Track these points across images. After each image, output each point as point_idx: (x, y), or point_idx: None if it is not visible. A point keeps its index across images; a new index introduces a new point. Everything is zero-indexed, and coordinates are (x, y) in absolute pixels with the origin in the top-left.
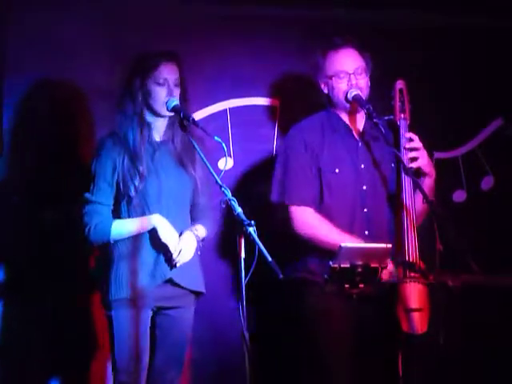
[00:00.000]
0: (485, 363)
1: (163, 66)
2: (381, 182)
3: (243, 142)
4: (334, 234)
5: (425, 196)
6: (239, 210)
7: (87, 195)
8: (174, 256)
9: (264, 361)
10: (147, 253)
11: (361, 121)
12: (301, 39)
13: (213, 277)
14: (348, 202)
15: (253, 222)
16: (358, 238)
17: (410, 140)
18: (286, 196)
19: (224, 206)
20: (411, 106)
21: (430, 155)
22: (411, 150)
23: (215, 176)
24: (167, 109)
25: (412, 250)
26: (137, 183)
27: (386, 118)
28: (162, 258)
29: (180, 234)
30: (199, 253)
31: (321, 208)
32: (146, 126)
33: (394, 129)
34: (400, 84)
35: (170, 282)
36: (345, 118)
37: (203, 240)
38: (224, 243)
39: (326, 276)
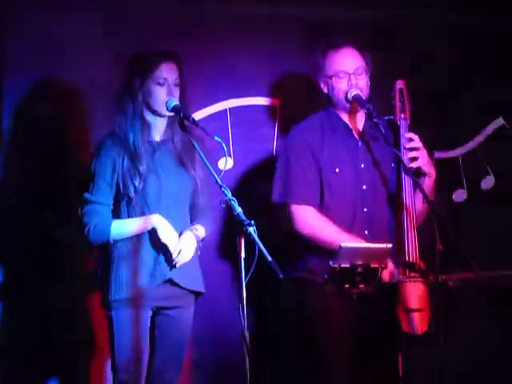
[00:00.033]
0: (484, 363)
1: (163, 65)
2: (381, 182)
3: (243, 142)
4: (335, 234)
5: (425, 196)
6: (239, 209)
7: (86, 195)
8: (174, 256)
9: (264, 361)
10: (147, 253)
11: (361, 120)
12: (301, 39)
13: (213, 277)
14: (348, 202)
15: (253, 221)
16: (359, 238)
17: (410, 140)
18: (288, 196)
19: (224, 205)
20: (411, 106)
21: (430, 155)
22: (411, 149)
23: (215, 176)
24: (167, 109)
25: (412, 250)
26: (137, 183)
27: (386, 117)
28: (161, 257)
29: (180, 234)
30: (199, 253)
31: (321, 208)
32: (145, 126)
33: (394, 129)
34: (400, 84)
35: (170, 281)
36: (345, 117)
37: (203, 240)
38: (224, 243)
39: (325, 276)
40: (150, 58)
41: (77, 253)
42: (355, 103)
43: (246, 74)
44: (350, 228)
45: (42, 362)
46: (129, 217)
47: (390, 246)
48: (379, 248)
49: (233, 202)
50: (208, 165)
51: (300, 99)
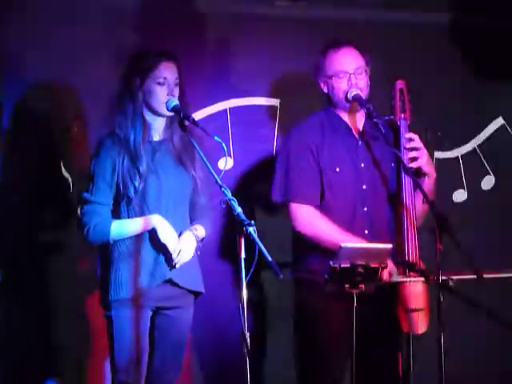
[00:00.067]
0: (484, 363)
1: (163, 65)
2: (381, 182)
3: (243, 142)
4: (336, 234)
5: (425, 196)
6: (239, 209)
7: (86, 195)
8: (174, 256)
9: (264, 361)
10: (147, 253)
11: (361, 120)
12: (301, 39)
13: (213, 277)
14: (348, 201)
15: (253, 221)
16: (359, 238)
17: (410, 140)
18: (288, 195)
19: (224, 205)
20: (411, 106)
21: (431, 155)
22: (411, 149)
23: (215, 176)
24: (167, 108)
25: (412, 250)
26: (137, 183)
27: (386, 117)
28: (161, 257)
29: (179, 234)
30: (199, 253)
31: (321, 207)
32: (146, 126)
33: (394, 129)
34: (400, 84)
35: (170, 282)
36: (345, 117)
37: (202, 240)
38: (224, 243)
39: (326, 276)
40: (150, 57)
41: (76, 253)
42: (355, 103)
43: (246, 74)
44: (350, 227)
45: (42, 362)
46: (128, 217)
47: (389, 246)
48: (379, 248)
49: (233, 202)
50: (208, 165)
51: (300, 99)
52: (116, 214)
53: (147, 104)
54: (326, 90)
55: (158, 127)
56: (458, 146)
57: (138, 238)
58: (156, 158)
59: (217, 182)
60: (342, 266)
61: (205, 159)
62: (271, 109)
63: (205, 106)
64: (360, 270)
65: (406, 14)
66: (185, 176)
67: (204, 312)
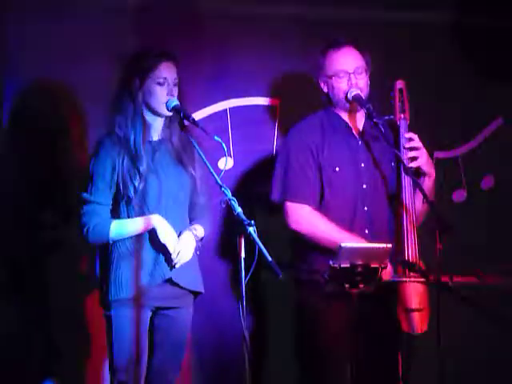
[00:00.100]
0: (485, 363)
1: (163, 65)
2: (381, 181)
3: (243, 142)
4: (333, 231)
5: (425, 196)
6: (239, 209)
7: (85, 195)
8: (173, 257)
9: (264, 361)
10: (147, 253)
11: (361, 120)
12: (301, 39)
13: (213, 277)
14: (348, 201)
15: (253, 221)
16: (357, 236)
17: (410, 140)
18: (285, 194)
19: (224, 205)
20: (411, 106)
21: (430, 155)
22: (411, 149)
23: (215, 176)
24: (167, 108)
25: (412, 250)
26: (137, 183)
27: (386, 117)
28: (161, 257)
29: (179, 234)
30: (198, 252)
31: (321, 206)
32: (145, 126)
33: (394, 129)
34: (400, 84)
35: (170, 282)
36: (345, 117)
37: (202, 240)
38: (224, 243)
39: (326, 276)
40: (150, 57)
41: (75, 253)
42: (355, 103)
43: (245, 74)
44: (350, 227)
45: (41, 362)
46: (128, 217)
47: (389, 245)
48: (379, 248)
49: (233, 202)
50: (208, 165)
51: (300, 99)
52: (115, 214)
53: (147, 104)
54: (326, 90)
55: (157, 127)
56: (458, 145)
57: (138, 237)
58: (156, 157)
59: (217, 182)
60: (342, 265)
61: (205, 159)
62: (271, 109)
63: (205, 106)
64: (360, 269)
65: (406, 13)
66: (184, 175)
67: (204, 312)
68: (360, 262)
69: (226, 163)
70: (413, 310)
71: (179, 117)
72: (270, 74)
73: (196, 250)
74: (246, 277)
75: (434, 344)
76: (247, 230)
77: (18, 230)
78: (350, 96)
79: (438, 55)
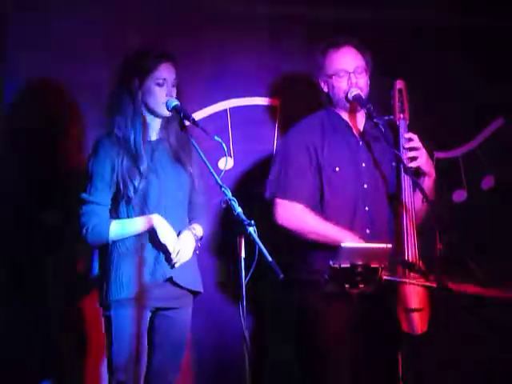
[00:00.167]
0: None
1: (163, 66)
2: (381, 181)
3: (243, 142)
4: (321, 226)
5: (425, 196)
6: (239, 209)
7: (84, 195)
8: (173, 256)
9: (264, 361)
10: (147, 252)
11: (361, 120)
12: (301, 39)
13: (212, 277)
14: (349, 201)
15: (253, 221)
16: (345, 229)
17: (410, 140)
18: (278, 191)
19: (224, 205)
20: (410, 106)
21: (430, 155)
22: (411, 149)
23: (215, 176)
24: (167, 109)
25: (412, 250)
26: (136, 183)
27: (386, 117)
28: (161, 257)
29: (178, 234)
30: (198, 252)
31: (322, 206)
32: (144, 126)
33: (394, 129)
34: (400, 84)
35: (170, 281)
36: (345, 116)
37: (201, 239)
38: (224, 243)
39: (326, 276)
40: (150, 58)
41: (73, 253)
42: (355, 103)
43: (246, 73)
44: (350, 227)
45: (41, 362)
46: (128, 217)
47: (389, 245)
48: (379, 248)
49: (233, 202)
50: (208, 165)
51: (300, 99)
52: (115, 214)
53: (145, 104)
54: (326, 90)
55: (155, 127)
56: (458, 145)
57: (138, 237)
58: (154, 157)
59: (217, 182)
60: (342, 265)
61: (205, 159)
62: (271, 109)
63: (205, 106)
64: (360, 269)
65: (407, 13)
66: (183, 174)
67: (204, 312)
68: (360, 262)
69: (226, 163)
70: (413, 310)
71: (179, 117)
72: (270, 74)
73: (195, 249)
74: (246, 277)
75: (434, 344)
76: (247, 230)
77: (18, 229)
78: (350, 96)
79: (438, 55)
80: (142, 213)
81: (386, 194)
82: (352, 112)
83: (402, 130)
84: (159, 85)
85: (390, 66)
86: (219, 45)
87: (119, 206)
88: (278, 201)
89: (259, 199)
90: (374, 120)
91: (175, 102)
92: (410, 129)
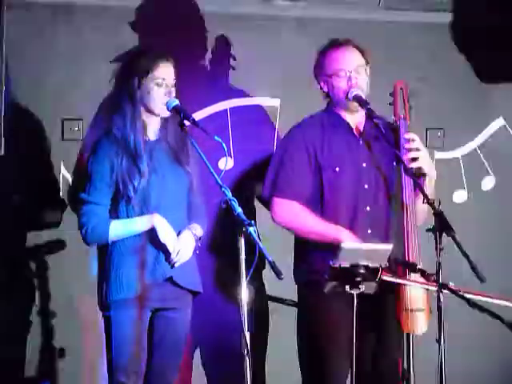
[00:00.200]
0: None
1: (162, 66)
2: (382, 181)
3: (243, 142)
4: (319, 224)
5: (425, 196)
6: (239, 210)
7: (83, 195)
8: (173, 256)
9: (264, 361)
10: (147, 251)
11: (361, 120)
12: (301, 39)
13: (213, 277)
14: (349, 201)
15: (253, 221)
16: (345, 229)
17: (410, 140)
18: (275, 190)
19: (224, 206)
20: (411, 106)
21: (431, 155)
22: (411, 150)
23: (215, 176)
24: (167, 109)
25: (412, 250)
26: (136, 183)
27: (387, 118)
28: (161, 256)
29: (178, 233)
30: (198, 252)
31: (322, 206)
32: (143, 126)
33: (394, 129)
34: (400, 84)
35: (170, 281)
36: (345, 116)
37: (200, 239)
38: (224, 243)
39: (326, 276)
40: (150, 58)
41: (73, 253)
42: (356, 103)
43: (246, 74)
44: (350, 227)
45: (41, 362)
46: (128, 217)
47: (390, 246)
48: (379, 248)
49: (233, 202)
50: (208, 165)
51: (300, 99)
52: (115, 214)
53: (144, 104)
54: (326, 89)
55: (153, 127)
56: (459, 146)
57: (138, 237)
58: (153, 157)
59: (217, 182)
60: (342, 266)
61: (205, 159)
62: (271, 109)
63: (205, 106)
64: (360, 270)
65: (406, 13)
66: (182, 174)
67: (204, 312)
68: (360, 263)
69: (226, 163)
70: (413, 310)
71: (179, 117)
72: (270, 74)
73: (195, 249)
74: (246, 277)
75: (434, 344)
76: (247, 230)
77: (18, 230)
78: (350, 96)
79: (438, 55)
80: (142, 213)
81: (386, 194)
82: (352, 112)
83: (402, 130)
84: (158, 85)
85: (390, 66)
86: (219, 45)
87: (119, 205)
88: (276, 200)
89: (259, 199)
90: (375, 120)
91: (175, 102)
92: (411, 129)
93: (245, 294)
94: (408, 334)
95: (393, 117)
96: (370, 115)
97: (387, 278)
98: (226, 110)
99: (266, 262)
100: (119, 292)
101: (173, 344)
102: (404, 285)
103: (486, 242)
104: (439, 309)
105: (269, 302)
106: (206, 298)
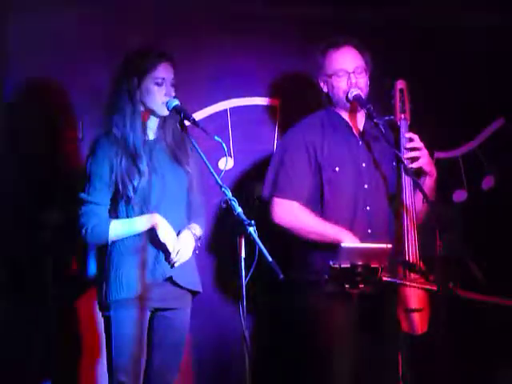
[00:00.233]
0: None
1: (162, 66)
2: (382, 181)
3: (243, 142)
4: (319, 225)
5: (425, 196)
6: (239, 209)
7: (83, 195)
8: (173, 256)
9: (264, 361)
10: (147, 251)
11: (361, 120)
12: (301, 39)
13: (213, 277)
14: (349, 201)
15: (253, 221)
16: (345, 229)
17: (411, 140)
18: (276, 190)
19: (224, 206)
20: (411, 106)
21: (431, 155)
22: (412, 149)
23: (215, 176)
24: (168, 109)
25: (412, 250)
26: (136, 183)
27: (387, 118)
28: (161, 256)
29: (178, 233)
30: (197, 252)
31: (322, 206)
32: (142, 125)
33: (395, 129)
34: (400, 84)
35: (170, 281)
36: (345, 116)
37: (200, 238)
38: (224, 243)
39: (326, 276)
40: (149, 57)
41: (72, 252)
42: (356, 103)
43: (246, 73)
44: (350, 226)
45: (41, 362)
46: (127, 216)
47: (389, 246)
48: (379, 248)
49: (233, 202)
50: (208, 165)
51: (300, 99)
52: (114, 214)
53: (144, 103)
54: (325, 90)
55: (152, 126)
56: (458, 145)
57: (138, 237)
58: (153, 156)
59: (217, 181)
60: (342, 266)
61: (205, 159)
62: (271, 109)
63: (205, 106)
64: (360, 270)
65: (407, 13)
66: (181, 173)
67: (204, 312)
68: (360, 263)
69: (226, 163)
70: (413, 310)
71: (179, 117)
72: (270, 74)
73: (195, 249)
74: (246, 277)
75: (434, 344)
76: (247, 230)
77: (18, 229)
78: (350, 96)
79: (438, 55)
80: (142, 212)
81: (386, 194)
82: (352, 112)
83: (402, 130)
84: (158, 84)
85: (390, 66)
86: (219, 45)
87: (118, 205)
88: (276, 200)
89: (259, 199)
90: (375, 120)
91: (175, 102)
92: (411, 129)
93: (244, 293)
94: (408, 334)
95: (393, 117)
96: (369, 115)
97: (387, 278)
98: (226, 109)
99: (266, 261)
100: (119, 292)
101: (172, 344)
102: (404, 285)
103: (486, 242)
104: (439, 308)
105: None
106: (206, 298)
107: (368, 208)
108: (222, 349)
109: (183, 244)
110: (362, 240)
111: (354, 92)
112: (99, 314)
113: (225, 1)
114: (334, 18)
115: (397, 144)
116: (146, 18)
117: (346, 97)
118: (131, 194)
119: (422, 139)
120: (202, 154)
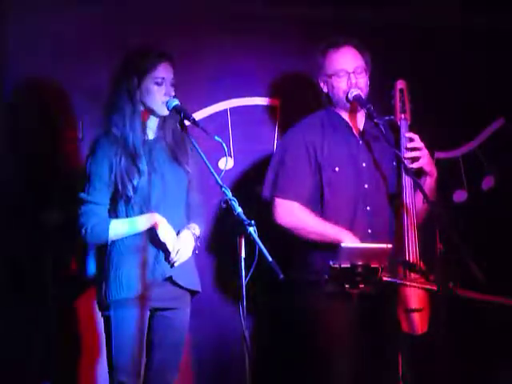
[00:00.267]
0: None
1: (161, 65)
2: (382, 181)
3: (243, 142)
4: (320, 225)
5: (425, 196)
6: (239, 209)
7: (83, 195)
8: (173, 255)
9: (264, 361)
10: (147, 251)
11: (361, 120)
12: (301, 39)
13: (213, 277)
14: (349, 201)
15: (253, 221)
16: (345, 229)
17: (411, 140)
18: (276, 191)
19: (224, 205)
20: (412, 106)
21: (431, 155)
22: (412, 149)
23: (215, 176)
24: (168, 108)
25: (413, 250)
26: (135, 182)
27: (387, 118)
28: (161, 256)
29: (177, 233)
30: (197, 252)
31: (322, 206)
32: (142, 125)
33: (395, 129)
34: (400, 84)
35: (170, 281)
36: (345, 116)
37: (199, 238)
38: (224, 243)
39: (326, 276)
40: (149, 57)
41: (71, 252)
42: (356, 103)
43: (246, 73)
44: (351, 226)
45: (41, 362)
46: (127, 216)
47: (390, 246)
48: (379, 248)
49: (233, 202)
50: (208, 165)
51: (300, 99)
52: (114, 214)
53: (143, 103)
54: (325, 90)
55: (152, 126)
56: (459, 146)
57: (138, 236)
58: (152, 156)
59: (217, 181)
60: (342, 266)
61: (205, 159)
62: (271, 109)
63: (205, 106)
64: (360, 270)
65: (406, 13)
66: (181, 173)
67: (204, 312)
68: (360, 262)
69: (226, 163)
70: (413, 310)
71: (179, 117)
72: (270, 74)
73: (195, 249)
74: (246, 277)
75: (434, 344)
76: (247, 229)
77: (18, 229)
78: (350, 96)
79: (438, 55)
80: (141, 212)
81: (386, 194)
82: (352, 112)
83: (403, 130)
84: (158, 84)
85: (390, 66)
86: (219, 45)
87: (118, 205)
88: (277, 200)
89: (259, 199)
90: (375, 120)
91: (175, 102)
92: (411, 129)
93: (244, 293)
94: (408, 334)
95: (393, 117)
96: (370, 115)
97: (387, 278)
98: (226, 109)
99: (266, 261)
100: (119, 292)
101: (172, 344)
102: (404, 285)
103: (486, 242)
104: (439, 308)
105: None
106: (206, 298)
107: (368, 208)
108: (222, 349)
109: (183, 243)
110: (362, 240)
111: (353, 92)
112: (99, 314)
113: (225, 1)
114: (334, 18)
115: (397, 144)
116: (146, 18)
117: (346, 97)
118: (131, 193)
119: (422, 139)
120: (202, 153)
